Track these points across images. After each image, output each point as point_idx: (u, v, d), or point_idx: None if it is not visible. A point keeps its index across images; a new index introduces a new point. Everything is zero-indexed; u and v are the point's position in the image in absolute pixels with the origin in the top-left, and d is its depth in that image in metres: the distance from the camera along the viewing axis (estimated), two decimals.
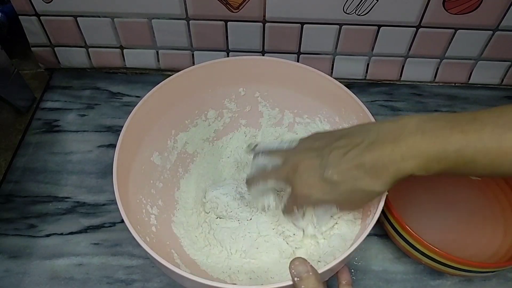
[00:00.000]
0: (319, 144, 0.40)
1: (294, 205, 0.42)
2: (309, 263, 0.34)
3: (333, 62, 0.66)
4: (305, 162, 0.39)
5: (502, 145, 0.32)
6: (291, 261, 0.35)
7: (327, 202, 0.40)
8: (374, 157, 0.36)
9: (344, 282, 0.40)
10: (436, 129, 0.34)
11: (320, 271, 0.35)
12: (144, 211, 0.45)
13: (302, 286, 0.33)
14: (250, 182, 0.45)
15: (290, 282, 0.34)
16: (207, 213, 0.50)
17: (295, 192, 0.40)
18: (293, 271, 0.34)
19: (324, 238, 0.46)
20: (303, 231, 0.45)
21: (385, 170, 0.36)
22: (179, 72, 0.49)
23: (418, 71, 0.67)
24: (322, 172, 0.38)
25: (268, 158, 0.44)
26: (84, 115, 0.63)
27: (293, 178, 0.40)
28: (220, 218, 0.50)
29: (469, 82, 0.69)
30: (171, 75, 0.49)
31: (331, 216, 0.44)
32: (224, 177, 0.54)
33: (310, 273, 0.34)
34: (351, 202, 0.40)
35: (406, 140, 0.35)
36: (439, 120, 0.35)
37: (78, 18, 0.61)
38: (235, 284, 0.44)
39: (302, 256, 0.36)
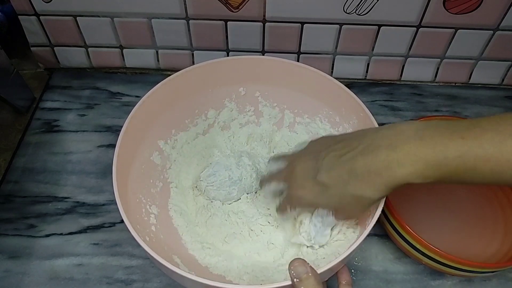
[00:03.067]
0: (319, 147, 0.40)
1: (288, 204, 0.42)
2: (308, 264, 0.34)
3: (333, 62, 0.66)
4: (302, 164, 0.40)
5: (503, 151, 0.31)
6: (290, 262, 0.35)
7: (318, 205, 0.40)
8: (367, 161, 0.35)
9: (344, 282, 0.40)
10: (435, 136, 0.33)
11: (319, 271, 0.35)
12: (143, 210, 0.45)
13: (302, 287, 0.33)
14: (261, 183, 0.48)
15: (289, 282, 0.34)
16: (199, 194, 0.51)
17: (289, 192, 0.41)
18: (292, 272, 0.34)
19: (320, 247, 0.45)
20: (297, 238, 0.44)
21: (377, 175, 0.35)
22: (179, 72, 0.49)
23: (418, 71, 0.67)
24: (315, 174, 0.38)
25: (277, 162, 0.45)
26: (84, 115, 0.63)
27: (289, 179, 0.41)
28: (210, 200, 0.50)
29: (470, 82, 0.69)
30: (171, 75, 0.49)
31: (330, 227, 0.43)
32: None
33: (310, 274, 0.34)
34: (344, 209, 0.39)
35: (403, 146, 0.34)
36: (437, 126, 0.34)
37: (77, 18, 0.61)
38: (236, 283, 0.44)
39: (300, 256, 0.35)
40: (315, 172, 0.38)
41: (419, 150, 0.33)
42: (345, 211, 0.39)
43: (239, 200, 0.51)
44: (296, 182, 0.40)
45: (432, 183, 0.34)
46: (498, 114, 0.33)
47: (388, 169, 0.34)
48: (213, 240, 0.48)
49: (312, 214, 0.42)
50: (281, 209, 0.44)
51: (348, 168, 0.36)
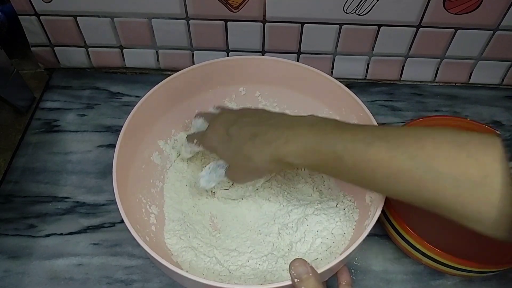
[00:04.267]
0: (248, 111, 0.45)
1: (197, 139, 0.47)
2: (309, 264, 0.34)
3: (333, 62, 0.66)
4: (226, 115, 0.44)
5: (368, 151, 0.34)
6: (291, 262, 0.35)
7: (216, 152, 0.44)
8: (267, 131, 0.39)
9: (344, 283, 0.40)
10: (322, 125, 0.38)
11: (319, 271, 0.35)
12: (143, 210, 0.45)
13: (302, 287, 0.33)
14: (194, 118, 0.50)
15: (290, 282, 0.34)
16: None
17: (205, 131, 0.45)
18: (293, 272, 0.34)
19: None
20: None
21: (267, 144, 0.39)
22: (179, 72, 0.49)
23: (418, 71, 0.67)
24: (229, 127, 0.42)
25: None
26: (84, 115, 0.63)
27: (211, 121, 0.45)
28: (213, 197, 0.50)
29: (470, 82, 0.69)
30: (171, 75, 0.49)
31: (217, 178, 0.46)
32: None
33: (310, 274, 0.34)
34: (235, 166, 0.43)
35: (296, 128, 0.38)
36: (331, 121, 0.39)
37: (77, 18, 0.61)
38: (236, 283, 0.44)
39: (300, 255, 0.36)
40: (231, 125, 0.42)
41: (305, 135, 0.37)
42: (235, 170, 0.44)
43: (239, 202, 0.51)
44: (213, 126, 0.44)
45: (313, 168, 0.40)
46: (390, 126, 0.37)
47: (277, 140, 0.38)
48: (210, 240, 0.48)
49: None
50: (190, 138, 0.48)
51: (253, 131, 0.40)
